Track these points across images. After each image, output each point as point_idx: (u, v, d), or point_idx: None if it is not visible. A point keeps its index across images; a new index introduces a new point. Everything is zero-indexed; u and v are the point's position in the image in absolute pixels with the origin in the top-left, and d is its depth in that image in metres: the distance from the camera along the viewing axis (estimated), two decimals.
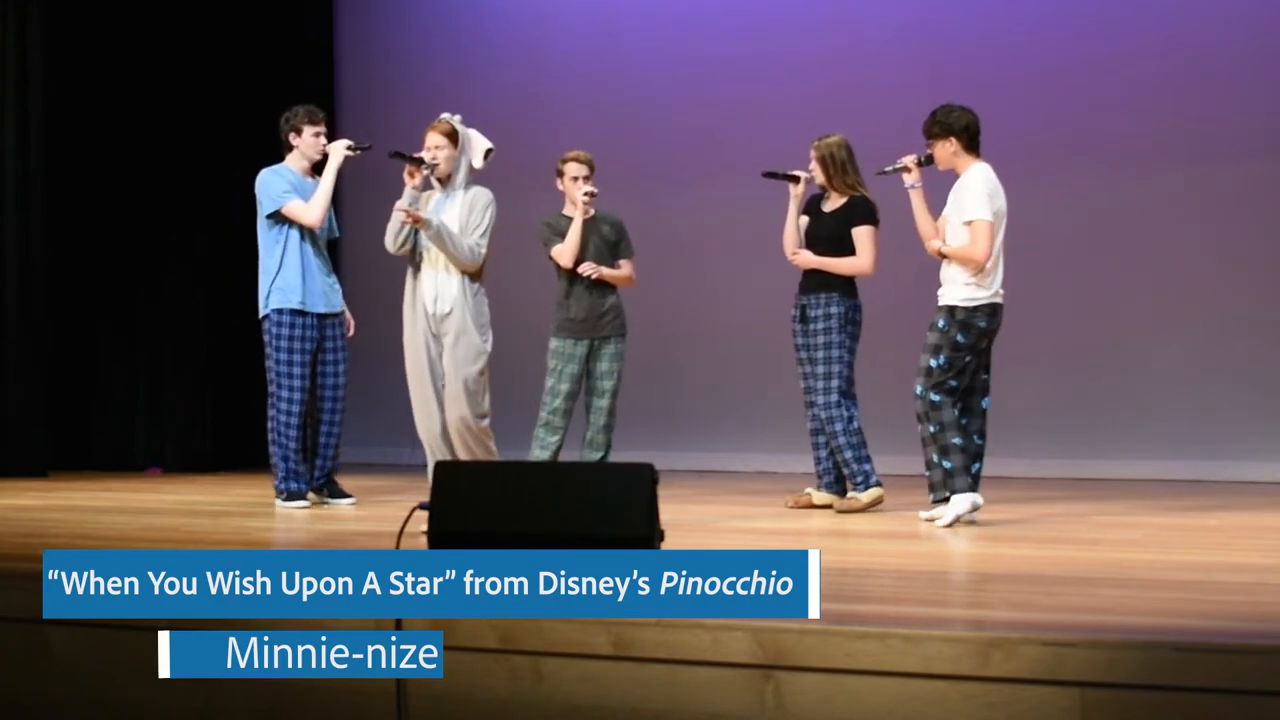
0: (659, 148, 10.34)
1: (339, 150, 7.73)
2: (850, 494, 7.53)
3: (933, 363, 6.88)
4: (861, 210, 7.57)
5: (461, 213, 6.96)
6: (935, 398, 6.86)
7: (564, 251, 7.53)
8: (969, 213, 6.87)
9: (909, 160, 7.14)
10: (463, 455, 6.97)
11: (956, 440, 6.85)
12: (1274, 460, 9.20)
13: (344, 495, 7.93)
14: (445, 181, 7.03)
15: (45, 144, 9.68)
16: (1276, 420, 9.24)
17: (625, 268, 7.67)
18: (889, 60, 9.88)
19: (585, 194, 7.51)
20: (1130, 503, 7.96)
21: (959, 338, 6.88)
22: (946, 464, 6.86)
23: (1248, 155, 9.33)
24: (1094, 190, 9.55)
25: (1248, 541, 6.58)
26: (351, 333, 8.06)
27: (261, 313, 7.83)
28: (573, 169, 7.60)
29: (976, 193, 6.87)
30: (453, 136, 6.98)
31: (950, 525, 6.79)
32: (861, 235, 7.55)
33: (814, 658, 4.10)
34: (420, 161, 6.97)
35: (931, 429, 6.87)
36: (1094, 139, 9.57)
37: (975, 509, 6.86)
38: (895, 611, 4.71)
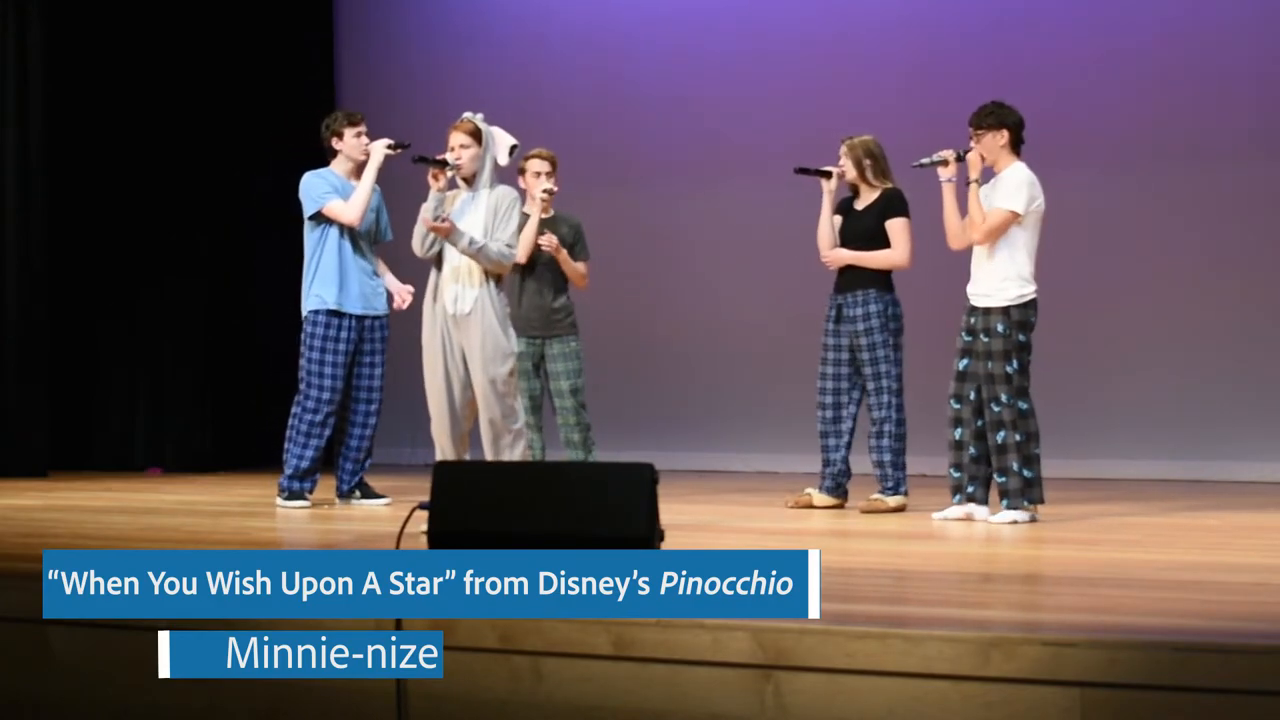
0: (661, 146, 10.34)
1: (379, 149, 7.67)
2: (876, 495, 7.48)
3: (1008, 368, 6.85)
4: (895, 202, 7.47)
5: (486, 215, 6.91)
6: (1023, 405, 6.86)
7: (519, 247, 7.56)
8: (1002, 200, 6.87)
9: (949, 154, 7.07)
10: (491, 457, 6.92)
11: (1038, 450, 6.89)
12: (1274, 460, 9.19)
13: (376, 496, 7.91)
14: (470, 181, 6.98)
15: (46, 144, 9.67)
16: (1276, 420, 9.24)
17: (580, 268, 7.73)
18: (886, 59, 9.86)
19: (544, 191, 7.57)
20: (1130, 503, 7.96)
21: (1020, 338, 6.88)
22: (1027, 473, 6.86)
23: (1246, 155, 9.32)
24: (1092, 190, 9.54)
25: (1248, 541, 6.58)
26: (402, 303, 7.90)
27: (302, 313, 7.82)
28: (534, 165, 7.69)
29: (1018, 185, 6.88)
30: (476, 135, 6.94)
31: (1007, 524, 6.82)
32: (896, 227, 7.45)
33: (814, 658, 4.10)
34: (444, 164, 6.94)
35: (1018, 438, 6.84)
36: (1092, 139, 9.56)
37: (1034, 521, 6.91)
38: (895, 611, 4.71)
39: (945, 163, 7.09)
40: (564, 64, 10.60)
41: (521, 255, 7.57)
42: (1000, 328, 6.87)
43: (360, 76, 10.99)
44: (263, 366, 10.16)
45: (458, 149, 6.95)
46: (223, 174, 10.13)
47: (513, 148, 7.04)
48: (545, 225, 7.65)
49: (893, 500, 7.44)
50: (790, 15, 10.21)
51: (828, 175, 7.57)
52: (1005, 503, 6.91)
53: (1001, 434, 6.88)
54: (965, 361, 7.00)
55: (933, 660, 4.01)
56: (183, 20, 10.21)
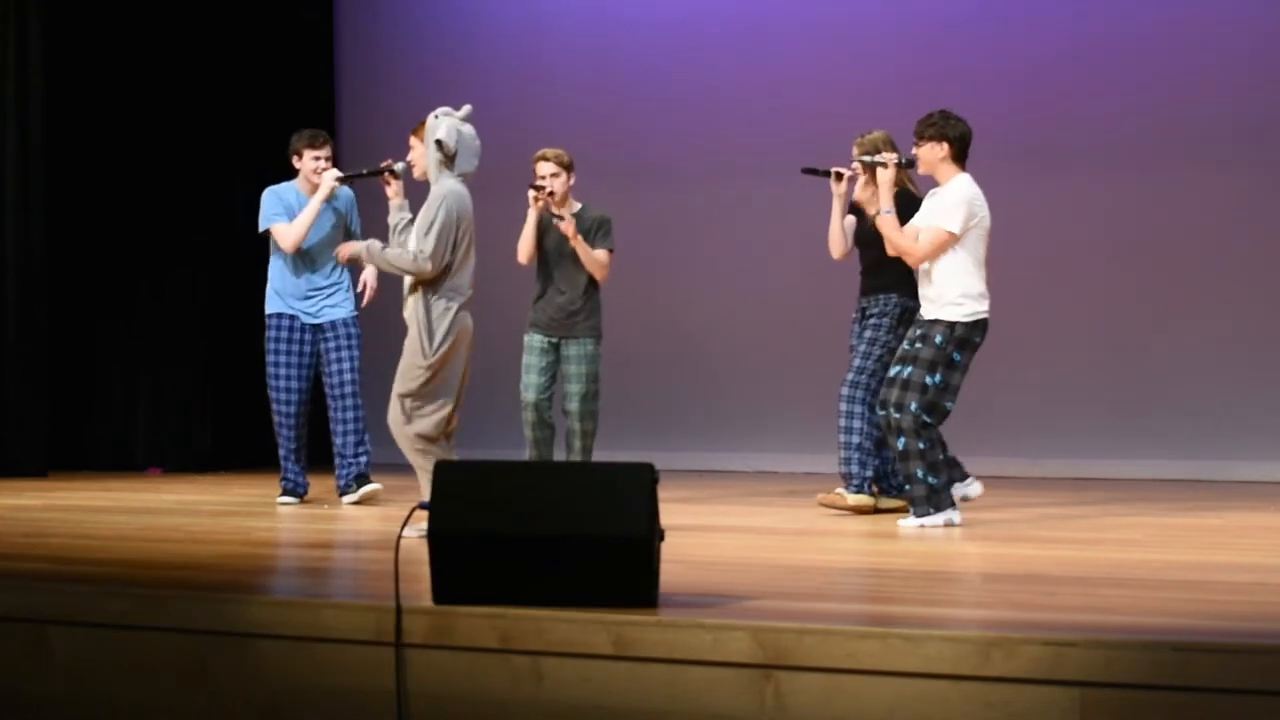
0: (661, 145, 10.34)
1: (329, 180, 7.84)
2: (839, 490, 7.37)
3: (928, 380, 6.66)
4: (913, 208, 7.20)
5: (422, 212, 6.52)
6: (927, 418, 6.68)
7: (519, 248, 7.53)
8: (940, 219, 6.68)
9: (890, 157, 6.98)
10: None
11: (943, 457, 6.76)
12: (1274, 460, 9.19)
13: (368, 483, 7.95)
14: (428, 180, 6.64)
15: (46, 145, 9.67)
16: (1276, 420, 9.24)
17: (599, 255, 7.54)
18: (888, 59, 9.86)
19: (532, 188, 7.47)
20: (1130, 503, 7.96)
21: (956, 355, 6.70)
22: (933, 480, 6.71)
23: (1249, 155, 9.31)
24: (1092, 191, 9.54)
25: (1248, 541, 6.58)
26: (366, 296, 7.96)
27: None
28: (540, 168, 7.55)
29: (956, 203, 6.68)
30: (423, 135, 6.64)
31: (916, 530, 6.70)
32: (920, 230, 7.26)
33: (814, 658, 4.11)
34: (380, 171, 6.79)
35: (921, 445, 6.66)
36: (1095, 139, 9.55)
37: (950, 526, 6.73)
38: (895, 611, 4.72)
39: (885, 165, 7.00)
40: (565, 64, 10.60)
41: (521, 256, 7.57)
42: (938, 339, 6.68)
43: (360, 76, 11.00)
44: (263, 367, 10.14)
45: (409, 154, 6.73)
46: (223, 174, 10.13)
47: (438, 143, 6.48)
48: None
49: (853, 500, 7.30)
50: (790, 16, 10.20)
51: (839, 177, 7.41)
52: (913, 510, 6.78)
53: (903, 440, 6.70)
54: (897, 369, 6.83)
55: (933, 660, 4.02)
56: (182, 20, 10.21)
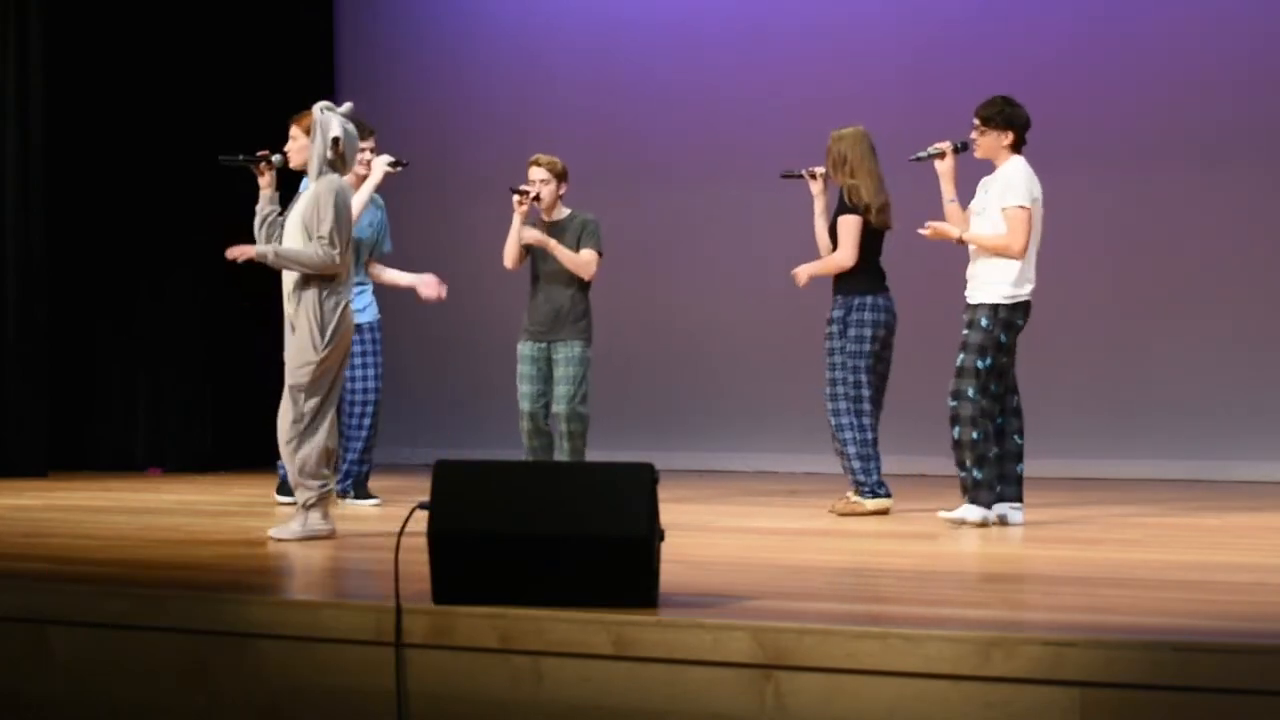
0: (661, 145, 10.33)
1: (379, 166, 7.75)
2: (855, 498, 7.39)
3: (979, 364, 6.73)
4: (842, 200, 7.35)
5: (306, 209, 6.43)
6: (985, 403, 6.74)
7: (504, 252, 7.55)
8: (1010, 199, 6.76)
9: (945, 145, 7.00)
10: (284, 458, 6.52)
11: (992, 453, 6.76)
12: (1274, 460, 9.19)
13: (368, 497, 7.96)
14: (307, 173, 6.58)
15: (46, 145, 9.67)
16: (1277, 420, 9.24)
17: (583, 254, 7.54)
18: (888, 59, 9.85)
19: (514, 191, 7.48)
20: (1130, 503, 7.96)
21: (1002, 337, 6.76)
22: (978, 474, 6.73)
23: (1249, 155, 9.31)
24: (1092, 191, 9.53)
25: (1248, 541, 6.58)
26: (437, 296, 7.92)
27: None
28: (531, 172, 7.57)
29: (1018, 181, 6.77)
30: (309, 128, 6.54)
31: (953, 522, 6.75)
32: (841, 226, 7.33)
33: (814, 658, 4.11)
34: (254, 160, 6.72)
35: (974, 435, 6.70)
36: (1095, 139, 9.55)
37: (985, 525, 6.73)
38: (895, 611, 4.72)
39: (942, 155, 7.02)
40: (565, 63, 10.59)
41: (506, 261, 7.56)
42: (984, 323, 6.76)
43: (360, 76, 10.99)
44: (262, 366, 10.14)
45: (289, 143, 6.68)
46: (223, 174, 10.09)
47: (334, 139, 6.44)
48: (552, 227, 7.58)
49: (871, 504, 7.31)
50: (792, 11, 10.19)
51: (813, 177, 7.51)
52: (965, 498, 6.82)
53: (958, 429, 6.75)
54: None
55: (933, 660, 4.02)
56: (182, 21, 10.20)
